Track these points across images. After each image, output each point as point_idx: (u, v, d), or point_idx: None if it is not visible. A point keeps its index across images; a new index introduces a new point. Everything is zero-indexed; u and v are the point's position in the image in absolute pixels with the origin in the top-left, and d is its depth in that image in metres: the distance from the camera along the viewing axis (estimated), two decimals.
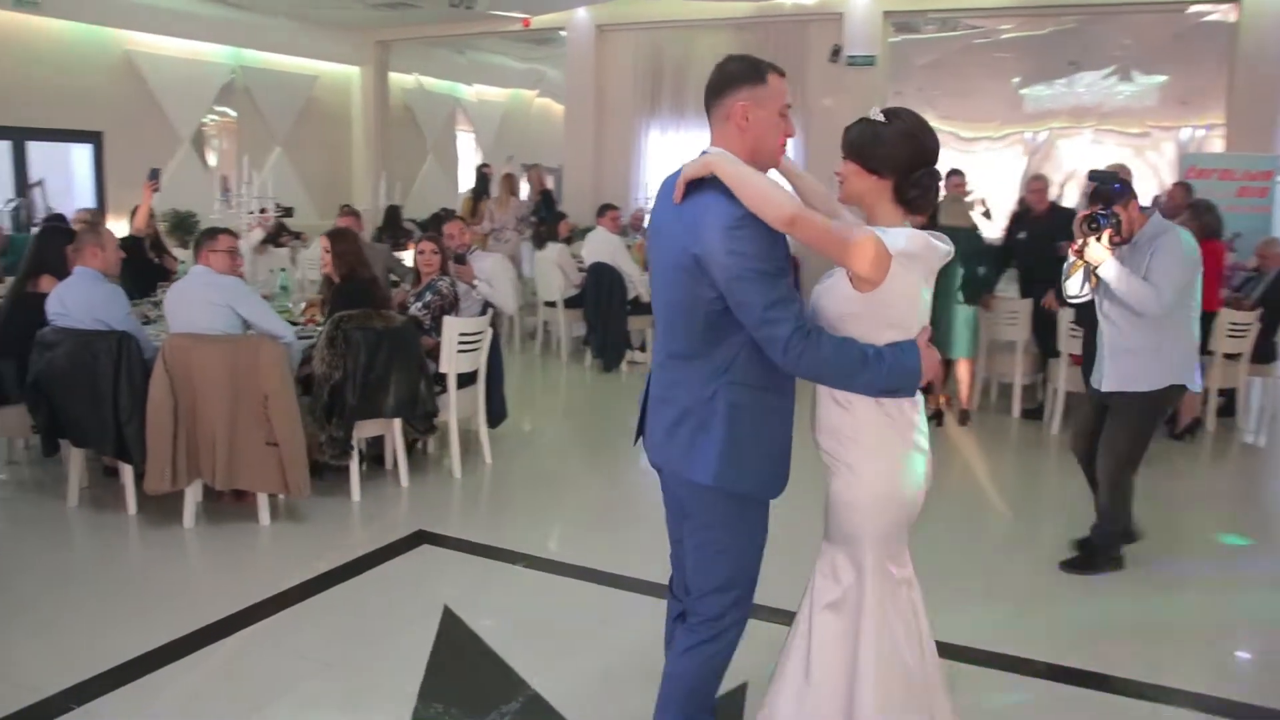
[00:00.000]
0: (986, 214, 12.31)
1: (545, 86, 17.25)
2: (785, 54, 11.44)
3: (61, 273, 4.99)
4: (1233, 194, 9.21)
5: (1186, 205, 7.11)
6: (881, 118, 2.31)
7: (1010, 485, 5.90)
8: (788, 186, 2.55)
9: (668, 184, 2.42)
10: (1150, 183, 11.85)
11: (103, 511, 4.99)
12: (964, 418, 7.03)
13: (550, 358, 9.62)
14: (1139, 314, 4.04)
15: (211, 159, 12.50)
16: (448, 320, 5.52)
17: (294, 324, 5.66)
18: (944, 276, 6.70)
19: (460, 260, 6.30)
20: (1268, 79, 9.66)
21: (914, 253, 2.22)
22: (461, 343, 5.57)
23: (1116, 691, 3.41)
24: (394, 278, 7.37)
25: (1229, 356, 6.93)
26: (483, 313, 5.99)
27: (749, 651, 3.14)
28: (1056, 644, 3.73)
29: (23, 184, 10.16)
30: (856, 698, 2.38)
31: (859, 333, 2.29)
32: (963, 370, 7.05)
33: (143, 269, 6.52)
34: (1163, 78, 12.76)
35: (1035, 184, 7.66)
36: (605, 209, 9.14)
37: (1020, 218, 7.90)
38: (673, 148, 11.98)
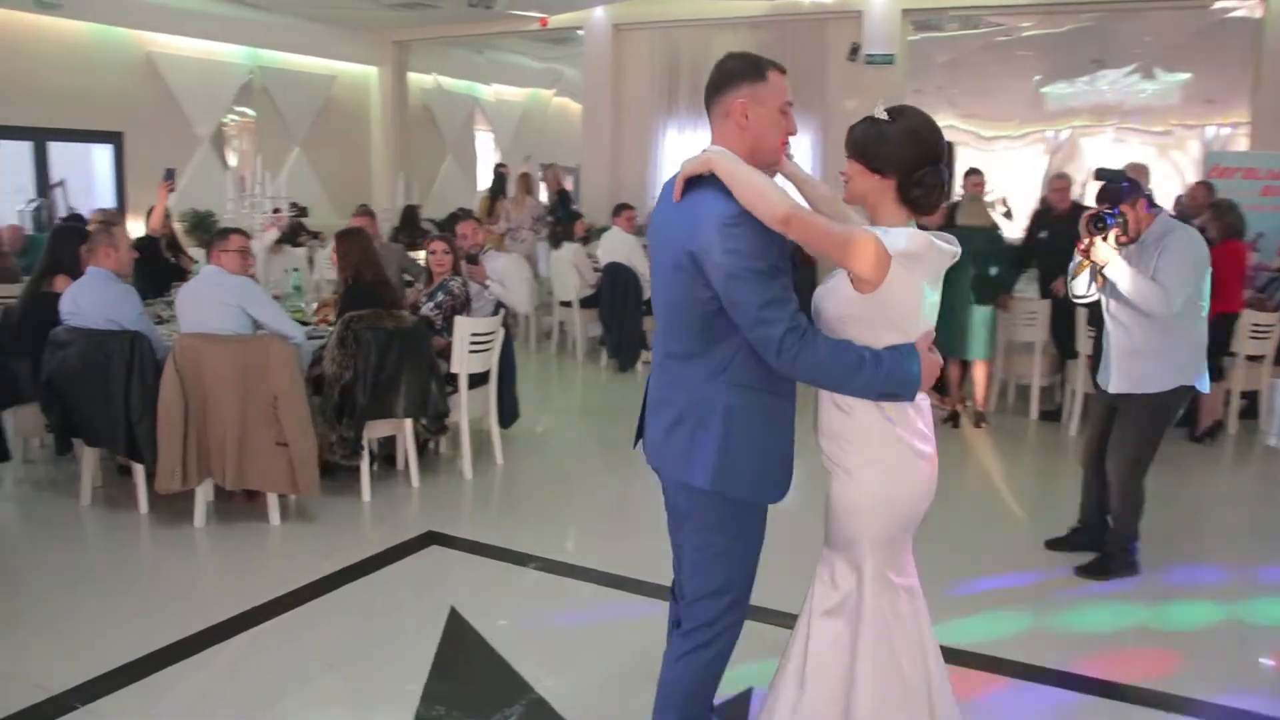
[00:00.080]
0: (1007, 213, 12.23)
1: (563, 86, 17.24)
2: (803, 53, 11.40)
3: (75, 272, 5.02)
4: (1257, 193, 9.07)
5: (1208, 204, 7.01)
6: (885, 116, 2.28)
7: (1026, 488, 5.83)
8: (794, 191, 2.52)
9: (670, 183, 2.39)
10: (1173, 182, 11.71)
11: (115, 510, 5.01)
12: (979, 420, 6.95)
13: (566, 358, 9.61)
14: (1146, 315, 3.98)
15: (231, 159, 12.56)
16: (459, 320, 5.51)
17: (305, 324, 5.68)
18: (960, 277, 6.67)
19: (473, 260, 6.29)
20: None
21: (915, 253, 2.18)
22: (473, 343, 5.56)
23: (1130, 700, 3.35)
24: (408, 278, 7.37)
25: (1251, 358, 6.82)
26: (495, 313, 5.98)
27: (754, 656, 3.12)
28: (1069, 650, 3.68)
29: (44, 184, 10.24)
30: (852, 706, 2.34)
31: (859, 335, 2.25)
32: (979, 372, 6.98)
33: (158, 268, 6.55)
34: (1186, 75, 12.60)
35: (1058, 183, 7.58)
36: (621, 208, 9.11)
37: (1042, 216, 7.82)
38: (690, 147, 11.94)
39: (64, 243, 5.39)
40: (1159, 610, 4.12)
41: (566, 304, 9.43)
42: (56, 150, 10.59)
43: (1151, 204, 4.16)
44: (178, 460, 4.59)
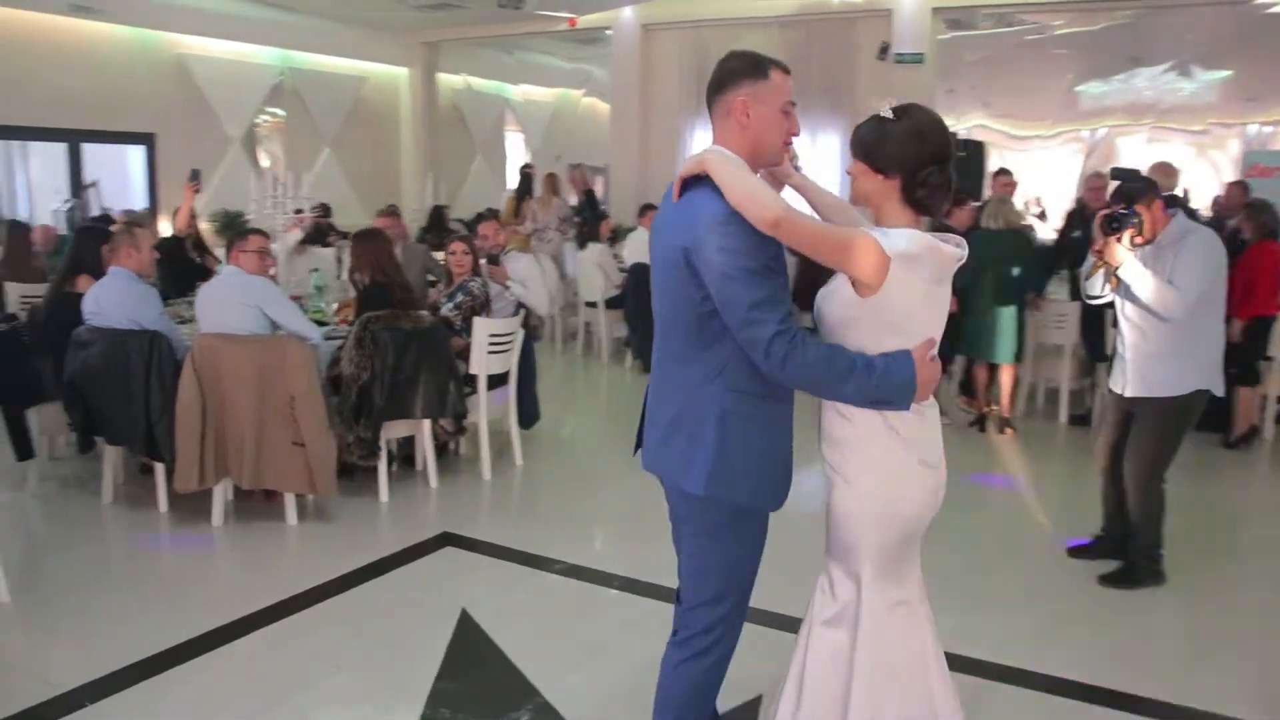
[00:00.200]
0: (1041, 214, 12.04)
1: (591, 86, 17.24)
2: (832, 52, 11.32)
3: (98, 273, 5.07)
4: None
5: (1243, 204, 6.85)
6: (891, 115, 2.22)
7: (1051, 494, 5.72)
8: (803, 203, 2.48)
9: (672, 185, 2.36)
10: (1212, 182, 11.48)
11: (136, 509, 5.05)
12: (1003, 425, 6.84)
13: (591, 358, 9.59)
14: (1161, 317, 3.89)
15: (264, 160, 12.67)
16: (477, 321, 5.50)
17: (324, 325, 5.69)
18: (986, 279, 6.57)
19: (494, 261, 6.28)
20: None
21: (915, 254, 2.12)
22: (492, 344, 5.54)
23: (1153, 715, 3.27)
24: (431, 278, 7.37)
25: None
26: (515, 314, 5.97)
27: (764, 663, 3.08)
28: (1091, 663, 3.58)
29: (78, 185, 10.38)
30: (849, 718, 2.28)
31: (861, 338, 2.20)
32: (1005, 375, 6.86)
33: (183, 268, 6.60)
34: (1226, 73, 12.36)
35: (1094, 182, 7.46)
36: (646, 209, 9.08)
37: (1076, 216, 7.68)
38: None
39: (87, 243, 5.45)
40: (1185, 621, 4.02)
41: (592, 304, 9.41)
42: (93, 151, 10.74)
43: (1169, 205, 4.06)
44: (195, 459, 4.61)
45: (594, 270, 9.20)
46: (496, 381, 5.73)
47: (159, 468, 4.88)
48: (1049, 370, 7.37)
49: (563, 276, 10.22)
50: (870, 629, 2.30)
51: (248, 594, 4.04)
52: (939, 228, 7.05)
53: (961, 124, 11.99)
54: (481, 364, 5.52)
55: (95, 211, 9.68)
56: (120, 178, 11.11)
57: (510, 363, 5.76)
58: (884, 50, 10.90)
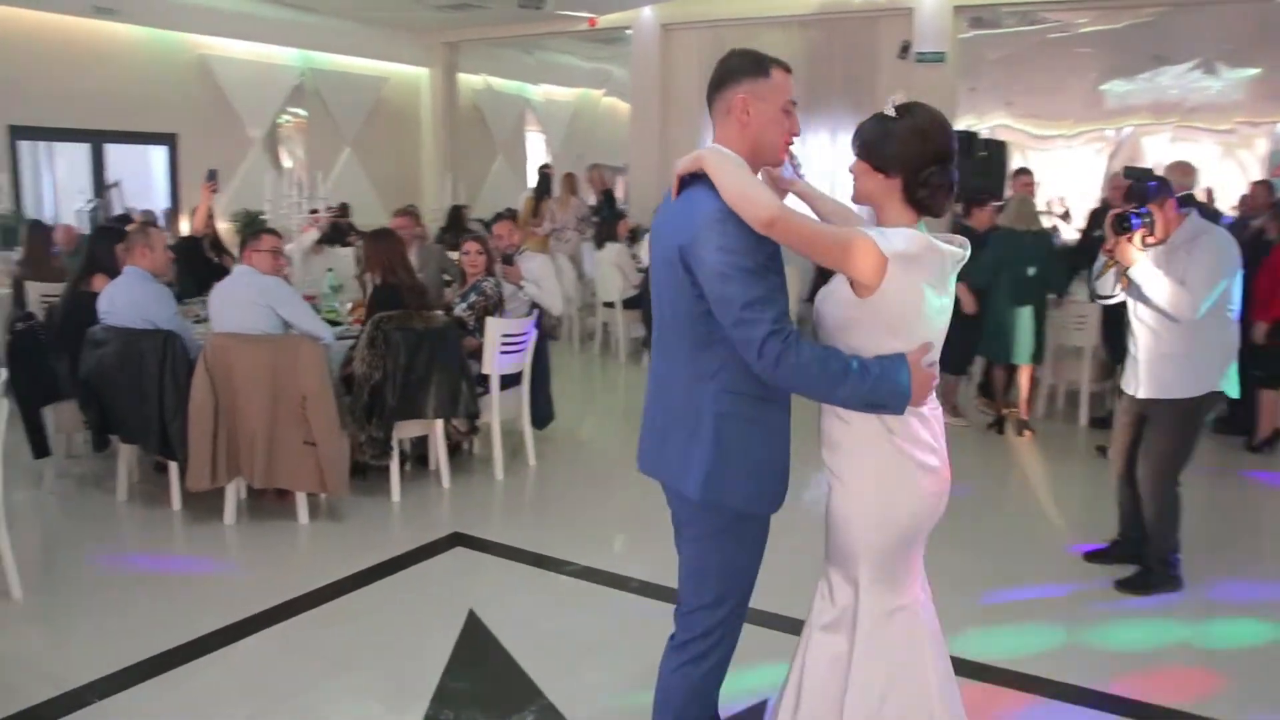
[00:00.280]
0: (1065, 214, 11.91)
1: (612, 86, 17.23)
2: (853, 51, 11.24)
3: (113, 272, 5.10)
4: None
5: (1269, 204, 6.75)
6: (894, 113, 2.19)
7: (1068, 497, 5.65)
8: (807, 210, 2.45)
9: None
10: (1239, 181, 11.31)
11: (150, 507, 5.08)
12: (1022, 427, 6.76)
13: (609, 358, 9.57)
14: (1173, 318, 3.83)
15: (286, 160, 12.74)
16: (490, 321, 5.50)
17: (338, 324, 5.70)
18: (1005, 279, 6.49)
19: (508, 261, 6.27)
20: None
21: (913, 255, 2.09)
22: (505, 344, 5.54)
23: None
24: (447, 278, 7.38)
25: None
26: (529, 313, 5.96)
27: (771, 667, 3.05)
28: (1105, 669, 3.53)
29: (100, 185, 10.47)
30: None
31: (860, 340, 2.17)
32: (1024, 377, 6.79)
33: (201, 268, 6.63)
34: (1253, 70, 12.17)
35: (1119, 181, 7.34)
36: None
37: (1100, 215, 7.58)
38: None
39: (102, 243, 5.49)
40: (1202, 628, 3.95)
41: (610, 305, 9.39)
42: (118, 151, 10.83)
43: (1183, 204, 4.00)
44: (208, 458, 4.63)
45: (612, 270, 9.19)
46: (510, 381, 5.73)
47: (173, 466, 4.90)
48: (1069, 372, 7.28)
49: (580, 276, 10.21)
50: (867, 635, 2.27)
51: (257, 593, 4.05)
52: (958, 228, 7.01)
53: (983, 123, 11.89)
54: (494, 364, 5.51)
55: (118, 211, 9.75)
56: (143, 178, 11.20)
57: (524, 363, 5.75)
58: (905, 49, 10.82)
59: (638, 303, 9.06)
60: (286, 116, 12.68)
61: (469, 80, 15.00)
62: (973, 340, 6.76)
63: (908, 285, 2.11)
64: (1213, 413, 4.24)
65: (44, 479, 5.33)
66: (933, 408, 2.27)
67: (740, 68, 2.26)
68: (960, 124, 11.11)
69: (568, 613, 4.01)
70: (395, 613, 3.96)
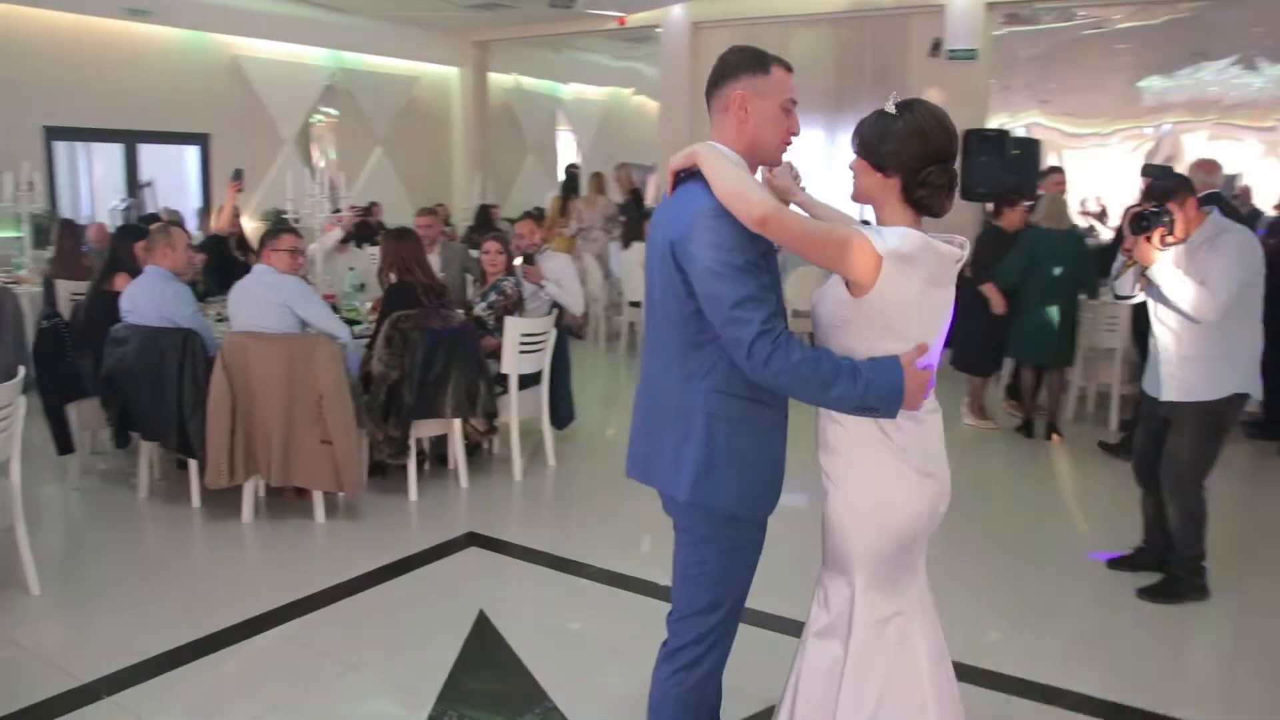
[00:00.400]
0: (1101, 213, 11.70)
1: (641, 85, 17.19)
2: (884, 49, 11.13)
3: (135, 272, 5.15)
4: None
5: None
6: (894, 110, 2.14)
7: (1094, 502, 5.54)
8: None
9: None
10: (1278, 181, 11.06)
11: (169, 503, 5.12)
12: (1051, 430, 6.64)
13: (634, 358, 9.54)
14: (1193, 319, 3.73)
15: (318, 159, 12.83)
16: (509, 321, 5.49)
17: (358, 323, 5.71)
18: (1035, 279, 6.38)
19: (529, 260, 6.26)
20: None
21: (909, 254, 2.04)
22: (524, 343, 5.52)
23: None
24: (471, 277, 7.38)
25: None
26: (549, 313, 5.94)
27: (779, 671, 2.99)
28: (1126, 681, 3.44)
29: (134, 185, 10.61)
30: None
31: (855, 340, 2.12)
32: (1054, 379, 6.67)
33: (227, 267, 6.68)
34: None
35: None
36: None
37: None
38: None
39: (123, 243, 5.55)
40: (1228, 639, 3.85)
41: (636, 304, 9.36)
42: (152, 151, 10.96)
43: (1206, 202, 3.89)
44: (225, 456, 4.66)
45: (638, 270, 9.15)
46: (530, 381, 5.72)
47: (192, 464, 4.94)
48: (1100, 374, 7.14)
49: (607, 276, 10.19)
50: (861, 642, 2.22)
51: (269, 590, 4.06)
52: (989, 228, 6.87)
53: (1016, 121, 11.71)
54: (513, 364, 5.50)
55: (150, 211, 9.87)
56: (176, 177, 11.33)
57: (543, 362, 5.73)
58: (936, 47, 10.69)
59: None
60: (319, 116, 12.77)
61: (499, 79, 15.04)
62: (1001, 341, 6.66)
63: (903, 285, 2.06)
64: (1245, 416, 4.12)
65: (68, 475, 5.39)
66: (930, 411, 2.22)
67: (740, 64, 2.22)
68: (992, 122, 10.95)
69: (582, 615, 3.98)
70: (407, 612, 3.96)
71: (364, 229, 9.67)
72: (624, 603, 4.08)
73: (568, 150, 16.91)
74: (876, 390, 2.05)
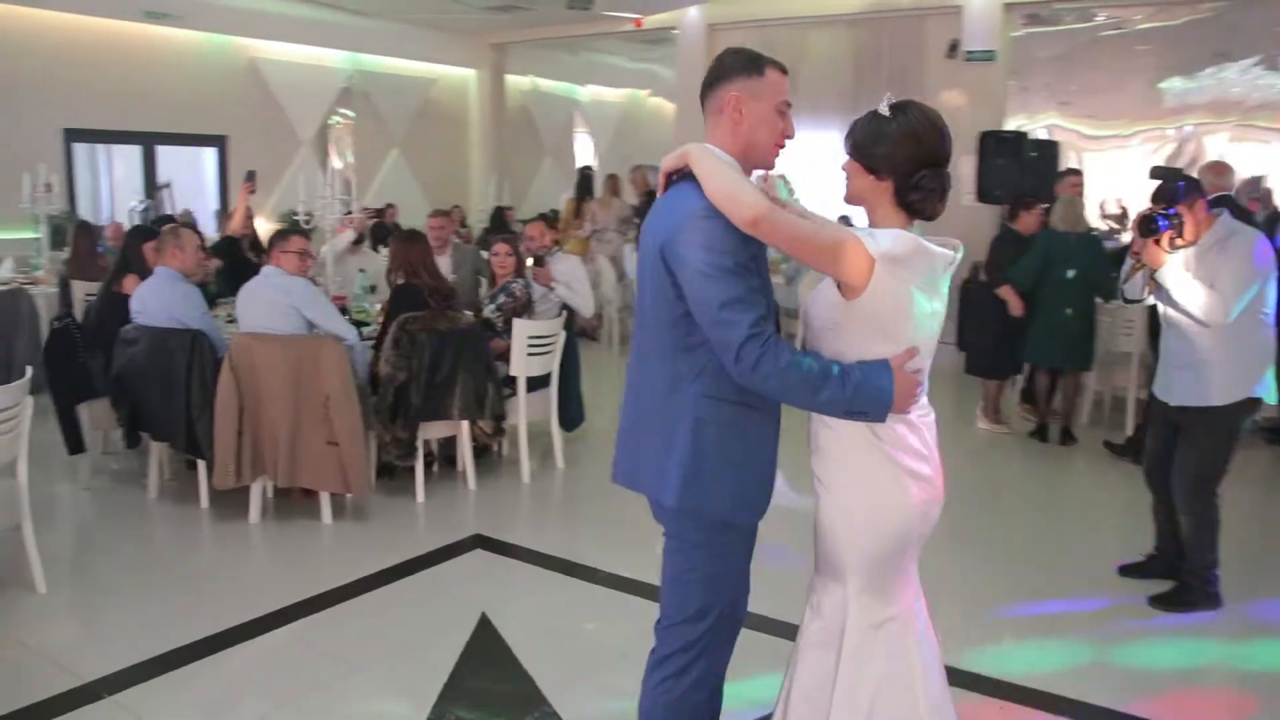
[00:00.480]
0: (1121, 216, 11.58)
1: (658, 86, 17.17)
2: (901, 50, 11.09)
3: (144, 273, 5.18)
4: None
5: None
6: (888, 112, 2.11)
7: (1108, 508, 5.47)
8: None
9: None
10: None
11: (179, 504, 5.15)
12: (1065, 436, 6.56)
13: None
14: (1204, 323, 3.68)
15: (336, 161, 12.86)
16: (517, 323, 5.48)
17: (367, 324, 5.72)
18: (1050, 282, 6.30)
19: (539, 262, 6.26)
20: None
21: (901, 256, 2.01)
22: (532, 345, 5.52)
23: None
24: (484, 279, 7.39)
25: None
26: (559, 315, 5.93)
27: (773, 676, 2.96)
28: (1133, 689, 3.39)
29: (152, 187, 10.69)
30: None
31: (846, 343, 2.10)
32: (1069, 383, 6.60)
33: (240, 268, 6.71)
34: None
35: None
36: None
37: None
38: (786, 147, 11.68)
39: (132, 245, 5.59)
40: (1241, 649, 3.78)
41: None
42: (171, 153, 11.04)
43: (1216, 205, 3.84)
44: (233, 457, 4.67)
45: None
46: (539, 383, 5.71)
47: (201, 464, 4.96)
48: (1117, 378, 7.06)
49: (621, 278, 10.17)
50: (855, 647, 2.20)
51: (274, 591, 4.07)
52: (1004, 231, 6.79)
53: (1034, 123, 11.60)
54: (521, 366, 5.49)
55: (167, 212, 9.94)
56: (194, 179, 11.40)
57: (552, 365, 5.72)
58: (953, 48, 10.64)
59: None
60: (337, 118, 12.81)
61: (516, 81, 15.05)
62: (1016, 345, 6.59)
63: (895, 287, 2.04)
64: (1260, 421, 4.06)
65: (79, 475, 5.42)
66: (922, 414, 2.19)
67: (734, 65, 2.21)
68: (1010, 124, 10.86)
69: (585, 618, 3.96)
70: (409, 614, 3.95)
71: (380, 230, 9.70)
72: (630, 606, 4.06)
73: (585, 152, 16.91)
74: (865, 394, 2.02)
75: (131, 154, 10.89)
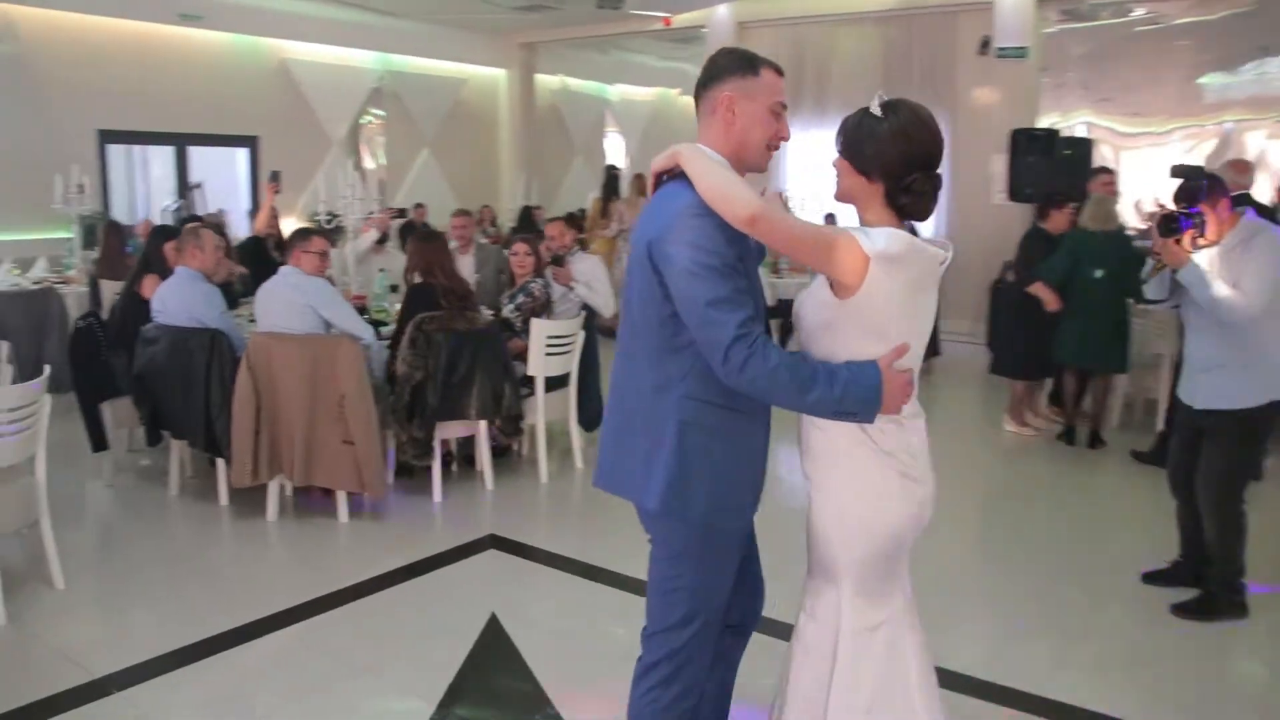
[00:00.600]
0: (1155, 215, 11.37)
1: (687, 85, 17.10)
2: (932, 47, 10.97)
3: (164, 273, 5.24)
4: None
5: None
6: (879, 111, 2.07)
7: (1133, 512, 5.35)
8: None
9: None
10: None
11: (199, 501, 5.20)
12: (1094, 439, 6.44)
13: None
14: (1225, 323, 3.58)
15: (368, 161, 12.99)
16: (535, 323, 5.47)
17: (386, 324, 5.74)
18: (1081, 282, 6.18)
19: (559, 262, 6.25)
20: None
21: (896, 255, 1.98)
22: (550, 345, 5.51)
23: None
24: (505, 278, 7.39)
25: None
26: (578, 314, 5.91)
27: (768, 678, 2.93)
28: (1154, 701, 3.31)
29: (184, 187, 10.82)
30: None
31: (838, 343, 2.07)
32: (1100, 385, 6.47)
33: (266, 268, 6.76)
34: None
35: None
36: None
37: None
38: (814, 145, 11.59)
39: (153, 245, 5.65)
40: (1267, 660, 3.69)
41: None
42: (203, 154, 11.18)
43: (1238, 203, 3.74)
44: (250, 455, 4.71)
45: None
46: (558, 383, 5.70)
47: (220, 462, 5.00)
48: (1148, 380, 6.92)
49: None
50: (850, 651, 2.16)
51: (287, 589, 4.09)
52: (1034, 231, 6.67)
53: (1068, 120, 11.41)
54: (539, 365, 5.49)
55: (199, 212, 10.06)
56: (227, 179, 11.54)
57: (571, 364, 5.71)
58: (985, 44, 10.50)
59: None
60: (368, 118, 12.92)
61: (546, 81, 15.09)
62: (1044, 346, 6.47)
63: (889, 287, 2.00)
64: None
65: (103, 472, 5.49)
66: (912, 415, 2.15)
67: (729, 65, 2.17)
68: (1043, 121, 10.70)
69: (593, 620, 3.94)
70: (423, 613, 3.95)
71: (410, 230, 9.74)
72: (638, 608, 4.01)
73: (616, 151, 16.90)
74: (854, 394, 1.99)
75: (166, 154, 11.04)
